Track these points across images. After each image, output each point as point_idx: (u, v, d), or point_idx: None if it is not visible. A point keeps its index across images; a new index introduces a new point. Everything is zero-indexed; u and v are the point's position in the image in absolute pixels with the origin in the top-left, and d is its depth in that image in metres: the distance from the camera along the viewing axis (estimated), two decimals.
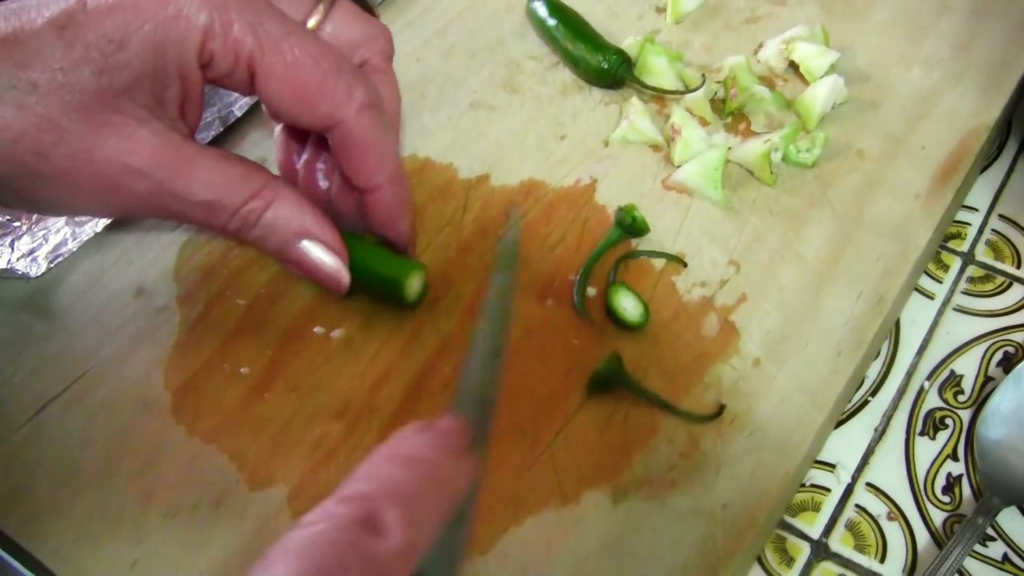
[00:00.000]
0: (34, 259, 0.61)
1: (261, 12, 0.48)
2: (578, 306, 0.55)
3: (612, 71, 0.66)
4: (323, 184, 0.57)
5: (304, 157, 0.57)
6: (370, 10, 0.56)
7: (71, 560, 0.48)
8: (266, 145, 0.65)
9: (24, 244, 0.62)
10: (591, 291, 0.56)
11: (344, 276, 0.52)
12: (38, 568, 0.49)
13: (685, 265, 0.57)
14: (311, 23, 0.53)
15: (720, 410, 0.50)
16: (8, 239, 0.62)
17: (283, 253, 0.52)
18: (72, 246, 0.61)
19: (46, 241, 0.62)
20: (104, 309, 0.58)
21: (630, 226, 0.58)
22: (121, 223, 0.62)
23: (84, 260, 0.61)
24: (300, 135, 0.57)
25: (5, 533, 0.50)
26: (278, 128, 0.58)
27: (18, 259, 0.61)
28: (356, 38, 0.55)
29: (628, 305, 0.54)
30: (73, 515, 0.50)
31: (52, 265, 0.60)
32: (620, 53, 0.66)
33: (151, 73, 0.48)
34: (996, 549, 0.51)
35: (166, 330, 0.57)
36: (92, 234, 0.62)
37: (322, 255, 0.52)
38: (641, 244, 0.59)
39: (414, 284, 0.54)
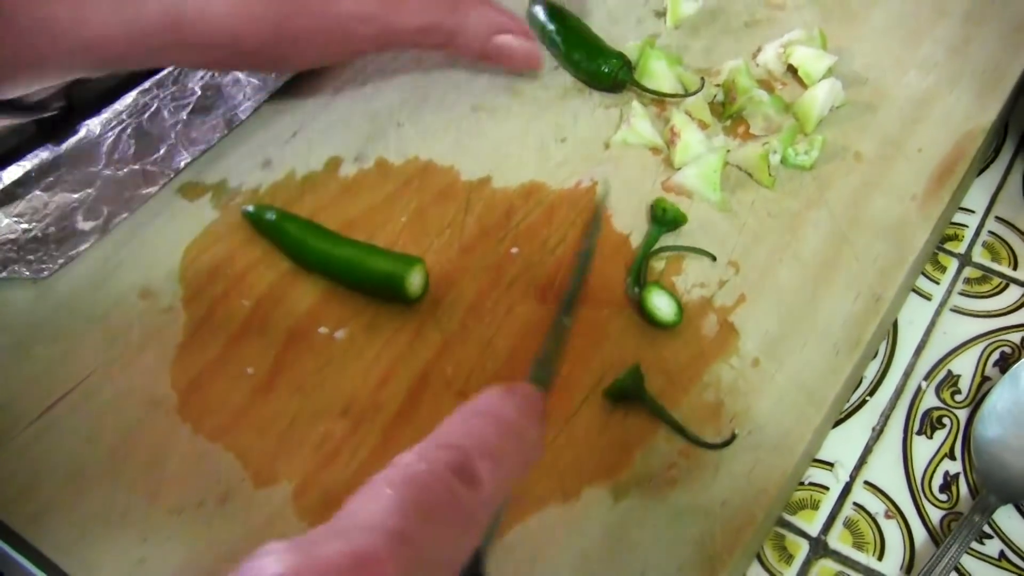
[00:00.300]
0: (42, 261, 0.61)
1: None
2: (643, 308, 0.55)
3: (613, 75, 0.67)
4: None
5: None
6: None
7: (78, 557, 0.49)
8: (271, 148, 0.66)
9: (31, 246, 0.62)
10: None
11: (538, 52, 0.67)
12: (46, 565, 0.49)
13: (714, 259, 0.58)
14: None
15: (732, 438, 0.51)
16: (16, 242, 0.62)
17: (485, 51, 0.65)
18: (79, 248, 0.62)
19: (53, 243, 0.62)
20: (110, 310, 0.59)
21: (666, 218, 0.59)
22: (126, 226, 0.63)
23: (90, 262, 0.61)
24: None
25: (13, 530, 0.50)
26: None
27: (26, 261, 0.61)
28: None
29: (662, 304, 0.55)
30: (80, 512, 0.50)
31: (59, 267, 0.61)
32: (621, 57, 0.67)
33: None
34: (993, 547, 0.51)
35: (172, 331, 0.58)
36: (98, 237, 0.62)
37: (516, 42, 0.65)
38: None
39: (415, 279, 0.55)
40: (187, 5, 0.55)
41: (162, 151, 0.67)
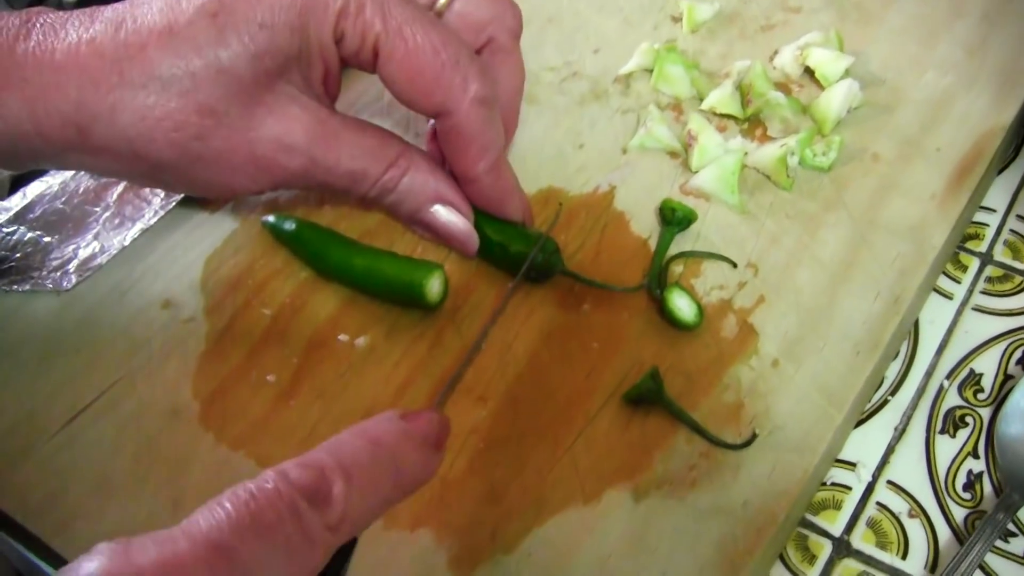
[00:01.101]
0: (65, 273, 0.62)
1: None
2: (665, 310, 0.55)
3: (544, 261, 0.57)
4: None
5: None
6: None
7: None
8: None
9: (55, 258, 0.63)
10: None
11: (474, 237, 0.58)
12: None
13: (735, 266, 0.58)
14: (440, 2, 0.56)
15: (752, 439, 0.51)
16: (39, 254, 0.63)
17: (416, 217, 0.57)
18: (101, 260, 0.62)
19: (76, 255, 0.63)
20: (133, 321, 0.59)
21: (676, 217, 0.59)
22: (148, 237, 0.63)
23: (113, 273, 0.62)
24: None
25: (39, 539, 0.51)
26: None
27: (49, 273, 0.62)
28: (484, 16, 0.57)
29: (683, 305, 0.55)
30: (105, 521, 0.51)
31: (82, 278, 0.61)
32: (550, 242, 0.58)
33: (297, 53, 0.51)
34: (1018, 544, 0.51)
35: (194, 340, 0.58)
36: (120, 248, 0.63)
37: (453, 218, 0.57)
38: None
39: (434, 285, 0.55)
40: (97, 108, 0.50)
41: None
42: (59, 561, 0.50)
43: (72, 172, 0.67)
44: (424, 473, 0.38)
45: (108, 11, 0.51)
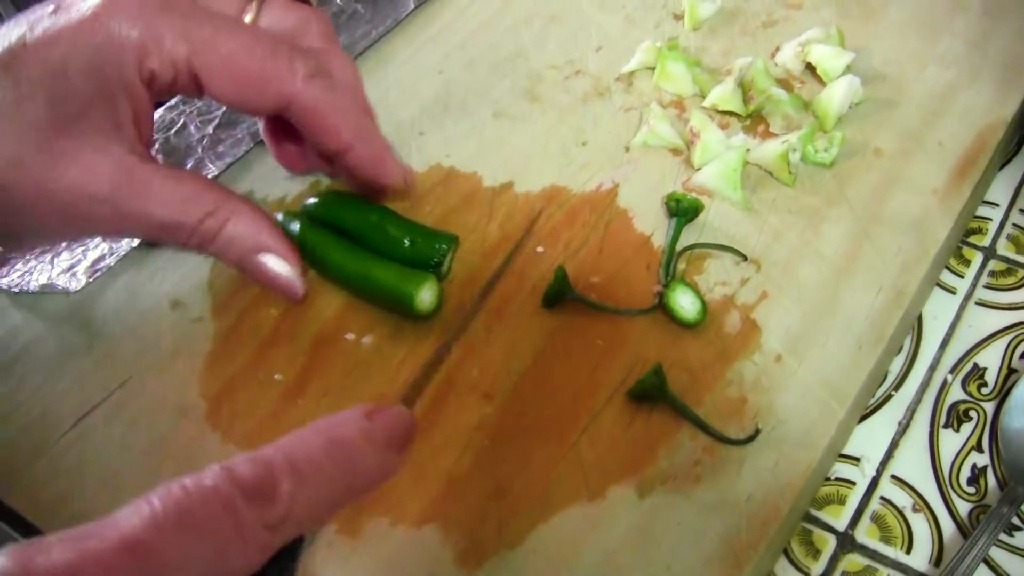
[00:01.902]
0: (74, 274, 0.62)
1: (189, 16, 0.50)
2: (667, 307, 0.56)
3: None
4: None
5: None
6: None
7: None
8: None
9: (64, 260, 0.63)
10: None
11: (298, 286, 0.55)
12: None
13: (745, 258, 0.58)
14: (246, 20, 0.55)
15: (756, 434, 0.51)
16: (48, 255, 0.64)
17: (241, 265, 0.54)
18: (110, 261, 0.63)
19: (85, 257, 0.63)
20: (142, 321, 0.60)
21: (682, 208, 0.60)
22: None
23: (122, 275, 0.63)
24: (282, 125, 0.60)
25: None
26: (261, 124, 0.61)
27: (58, 274, 0.62)
28: (290, 27, 0.56)
29: (686, 303, 0.55)
30: None
31: (91, 280, 0.62)
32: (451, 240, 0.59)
33: (99, 98, 0.49)
34: (1022, 538, 0.51)
35: (201, 340, 0.59)
36: (129, 249, 0.63)
37: (278, 267, 0.54)
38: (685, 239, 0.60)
39: (425, 297, 0.55)
40: None
41: (189, 165, 0.68)
42: None
43: None
44: (381, 475, 0.38)
45: None
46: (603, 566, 0.47)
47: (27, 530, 0.52)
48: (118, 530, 0.30)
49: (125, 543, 0.30)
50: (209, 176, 0.67)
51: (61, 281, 0.62)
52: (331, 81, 0.54)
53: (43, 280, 0.62)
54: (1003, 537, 0.51)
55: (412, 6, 0.78)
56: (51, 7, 0.49)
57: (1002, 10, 0.71)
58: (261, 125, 0.61)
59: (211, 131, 0.70)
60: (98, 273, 0.63)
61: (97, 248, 0.64)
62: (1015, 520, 0.51)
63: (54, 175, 0.49)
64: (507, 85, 0.71)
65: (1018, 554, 0.50)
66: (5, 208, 0.49)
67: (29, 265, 0.63)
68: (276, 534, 0.33)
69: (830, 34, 0.69)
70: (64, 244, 0.64)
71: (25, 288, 0.62)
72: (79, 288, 0.62)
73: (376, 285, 0.57)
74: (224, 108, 0.72)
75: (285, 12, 0.56)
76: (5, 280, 0.63)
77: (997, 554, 0.50)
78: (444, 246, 0.58)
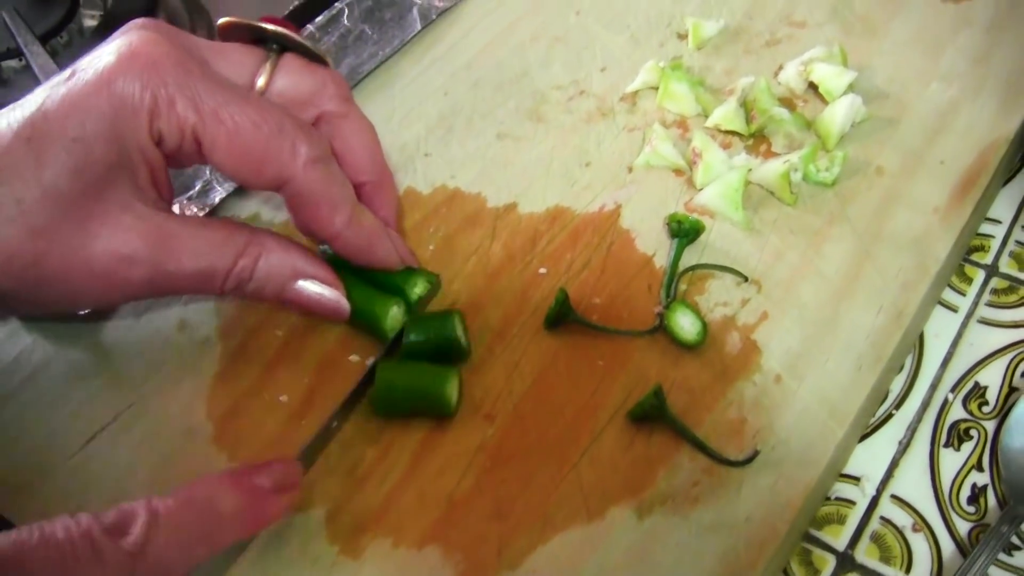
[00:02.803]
0: None
1: (198, 83, 0.50)
2: (667, 328, 0.56)
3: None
4: None
5: None
6: (318, 58, 0.57)
7: None
8: None
9: None
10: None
11: (344, 304, 0.55)
12: None
13: (746, 279, 0.59)
14: (260, 82, 0.55)
15: (754, 455, 0.51)
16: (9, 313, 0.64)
17: (281, 297, 0.54)
18: None
19: None
20: (149, 343, 0.61)
21: (683, 229, 0.60)
22: None
23: None
24: None
25: None
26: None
27: None
28: (306, 91, 0.56)
29: (687, 324, 0.56)
30: None
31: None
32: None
33: (118, 163, 0.50)
34: (1021, 558, 0.51)
35: (208, 361, 0.59)
36: None
37: (319, 289, 0.55)
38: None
39: (451, 392, 0.54)
40: None
41: (197, 188, 0.68)
42: None
43: None
44: (250, 513, 0.45)
45: None
46: None
47: None
48: None
49: None
50: (216, 199, 0.67)
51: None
52: (331, 168, 0.54)
53: None
54: (1002, 556, 0.51)
55: (418, 27, 0.78)
56: (67, 72, 0.50)
57: (1006, 26, 0.72)
58: None
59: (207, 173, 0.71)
60: None
61: None
62: (1014, 540, 0.52)
63: (85, 242, 0.50)
64: (512, 106, 0.72)
65: (1017, 574, 0.51)
66: (41, 282, 0.50)
67: None
68: (138, 561, 0.40)
69: (833, 53, 0.70)
70: None
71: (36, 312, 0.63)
72: (87, 310, 0.62)
73: (404, 388, 0.55)
74: None
75: (301, 74, 0.56)
76: None
77: (996, 574, 0.51)
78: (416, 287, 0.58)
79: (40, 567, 0.37)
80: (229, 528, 0.44)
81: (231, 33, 0.56)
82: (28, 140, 0.48)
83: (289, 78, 0.56)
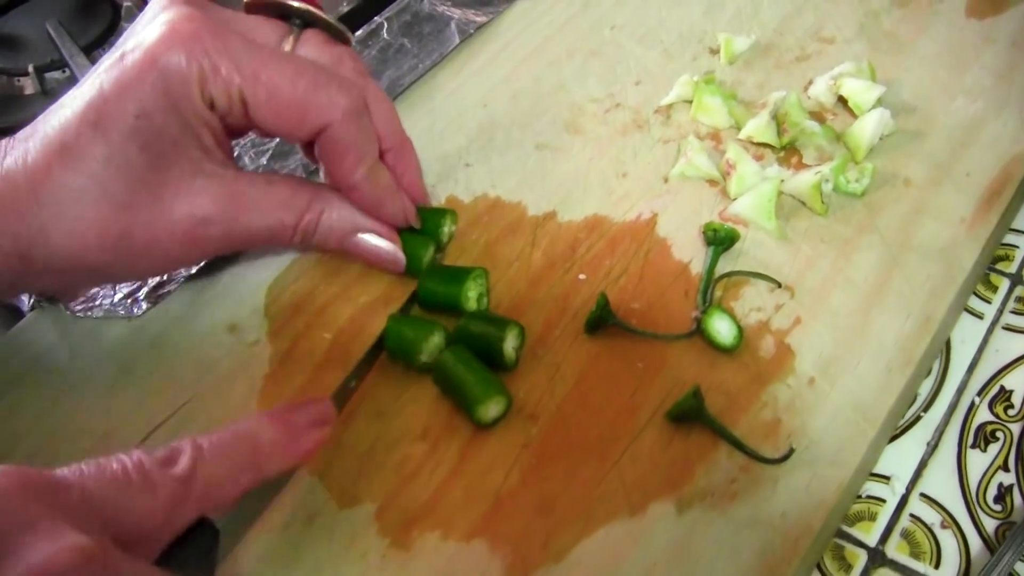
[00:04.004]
0: (135, 300, 0.65)
1: (237, 48, 0.54)
2: (704, 332, 0.58)
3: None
4: None
5: None
6: (340, 34, 0.61)
7: None
8: None
9: (125, 287, 0.66)
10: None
11: (400, 256, 0.62)
12: None
13: (779, 285, 0.61)
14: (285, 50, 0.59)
15: (789, 453, 0.53)
16: (110, 284, 0.67)
17: (344, 247, 0.61)
18: (170, 287, 0.66)
19: (146, 284, 0.66)
20: (201, 344, 0.62)
21: (718, 238, 0.62)
22: (212, 267, 0.67)
23: (181, 300, 0.65)
24: None
25: None
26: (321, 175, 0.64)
27: (121, 300, 0.65)
28: (324, 63, 0.59)
29: (723, 328, 0.58)
30: None
31: (152, 305, 0.65)
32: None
33: (182, 131, 0.54)
34: None
35: (258, 363, 0.61)
36: (187, 277, 0.66)
37: (378, 242, 0.61)
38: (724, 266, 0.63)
39: (490, 410, 0.56)
40: (29, 235, 0.53)
41: None
42: None
43: None
44: (289, 446, 0.48)
45: (12, 143, 0.54)
46: None
47: None
48: (51, 474, 0.40)
49: (57, 484, 0.40)
50: None
51: (124, 306, 0.65)
52: (364, 121, 0.58)
53: (107, 305, 0.65)
54: None
55: (457, 41, 0.81)
56: (117, 54, 0.53)
57: None
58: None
59: (264, 161, 0.73)
60: (159, 299, 0.65)
61: (157, 276, 0.67)
62: None
63: (164, 208, 0.55)
64: (549, 118, 0.74)
65: None
66: (131, 251, 0.55)
67: (93, 292, 0.66)
68: (187, 486, 0.43)
69: (861, 68, 0.72)
70: None
71: (89, 313, 0.65)
72: (140, 313, 0.64)
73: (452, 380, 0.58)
74: (277, 140, 0.75)
75: (320, 49, 0.60)
76: (71, 305, 0.65)
77: (1023, 569, 0.52)
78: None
79: (98, 494, 0.40)
80: (270, 459, 0.47)
81: (257, 9, 0.60)
82: (95, 124, 0.52)
83: (309, 52, 0.59)
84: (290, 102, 0.55)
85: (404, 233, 0.62)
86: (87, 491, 0.40)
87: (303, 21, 0.60)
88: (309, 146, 0.61)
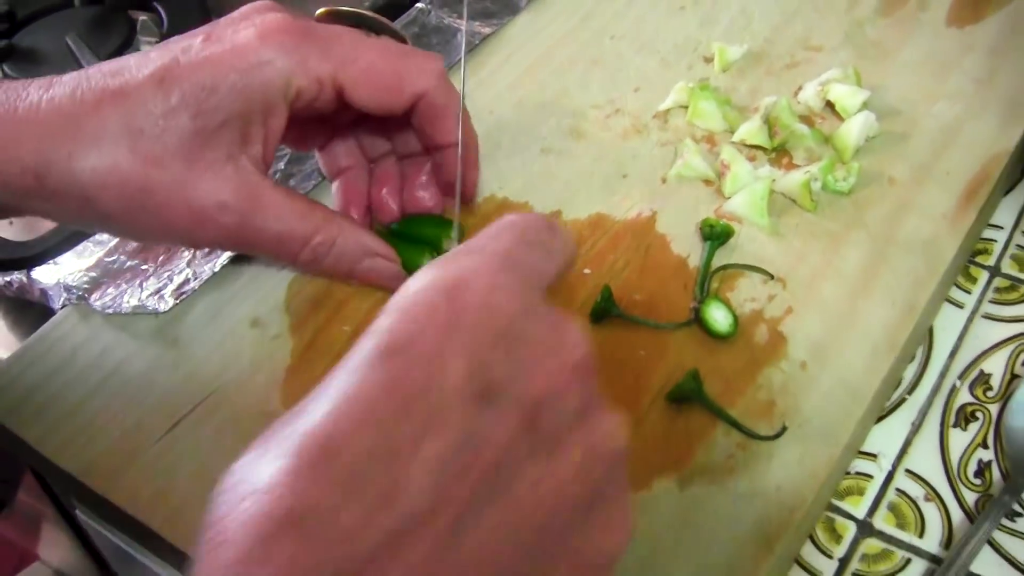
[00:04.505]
0: (161, 296, 0.67)
1: (323, 40, 0.57)
2: (702, 320, 0.61)
3: None
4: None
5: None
6: (404, 41, 0.65)
7: None
8: None
9: (152, 284, 0.68)
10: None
11: (404, 275, 0.62)
12: (181, 559, 0.56)
13: (772, 277, 0.64)
14: None
15: (783, 431, 0.56)
16: (138, 280, 0.69)
17: (352, 273, 0.63)
18: (194, 284, 0.68)
19: (171, 281, 0.69)
20: (225, 338, 0.65)
21: (715, 232, 0.65)
22: (235, 264, 0.69)
23: (205, 296, 0.67)
24: (353, 187, 0.68)
25: (152, 529, 0.56)
26: (334, 185, 0.68)
27: (147, 297, 0.67)
28: None
29: (720, 317, 0.61)
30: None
31: (177, 301, 0.67)
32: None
33: (239, 114, 0.56)
34: (1022, 523, 0.56)
35: (280, 355, 0.63)
36: (211, 274, 0.69)
37: (383, 266, 0.63)
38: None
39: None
40: (54, 157, 0.54)
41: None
42: (167, 547, 0.56)
43: None
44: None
45: (66, 77, 0.56)
46: (650, 548, 0.53)
47: (129, 524, 0.57)
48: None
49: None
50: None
51: (150, 303, 0.67)
52: (450, 83, 0.62)
53: (134, 302, 0.67)
54: (1005, 522, 0.56)
55: (463, 52, 0.84)
56: (200, 37, 0.56)
57: (1007, 50, 0.77)
58: (334, 186, 0.69)
59: (282, 166, 0.76)
60: (184, 295, 0.67)
61: (182, 273, 0.69)
62: (1016, 507, 0.57)
63: (189, 179, 0.56)
64: (553, 123, 0.77)
65: (1018, 536, 0.56)
66: (144, 208, 0.56)
67: (120, 288, 0.69)
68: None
69: (848, 74, 0.75)
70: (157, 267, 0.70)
71: (117, 309, 0.67)
72: (167, 309, 0.66)
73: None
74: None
75: None
76: (99, 302, 0.68)
77: (999, 537, 0.56)
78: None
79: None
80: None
81: (329, 21, 0.63)
82: (160, 81, 0.55)
83: None
84: (385, 74, 0.58)
85: (404, 243, 0.65)
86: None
87: (373, 30, 0.64)
88: (326, 153, 0.65)
